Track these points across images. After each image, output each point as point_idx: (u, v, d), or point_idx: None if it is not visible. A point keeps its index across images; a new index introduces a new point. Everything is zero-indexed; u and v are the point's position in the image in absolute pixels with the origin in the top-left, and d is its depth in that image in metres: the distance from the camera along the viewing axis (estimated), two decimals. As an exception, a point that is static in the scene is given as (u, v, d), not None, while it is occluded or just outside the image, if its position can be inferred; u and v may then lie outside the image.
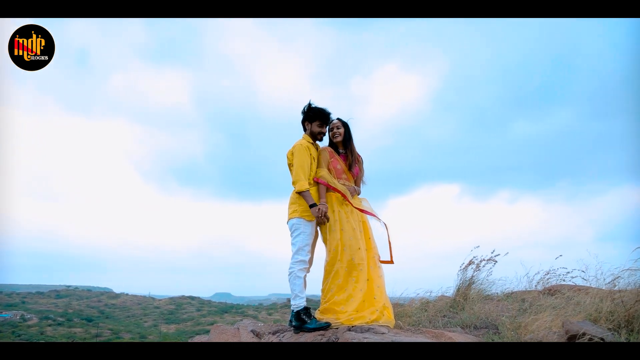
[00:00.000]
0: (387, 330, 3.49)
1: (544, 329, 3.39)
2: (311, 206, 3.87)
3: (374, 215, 4.12)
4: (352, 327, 3.56)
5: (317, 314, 3.92)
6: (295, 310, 3.79)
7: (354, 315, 3.71)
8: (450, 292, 5.79)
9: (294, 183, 3.97)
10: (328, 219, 3.91)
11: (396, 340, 3.12)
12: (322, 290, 4.05)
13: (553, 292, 4.73)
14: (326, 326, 3.65)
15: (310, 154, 4.04)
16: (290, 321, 3.94)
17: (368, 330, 3.43)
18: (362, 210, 4.07)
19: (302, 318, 3.73)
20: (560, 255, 6.05)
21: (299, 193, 3.92)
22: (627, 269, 3.57)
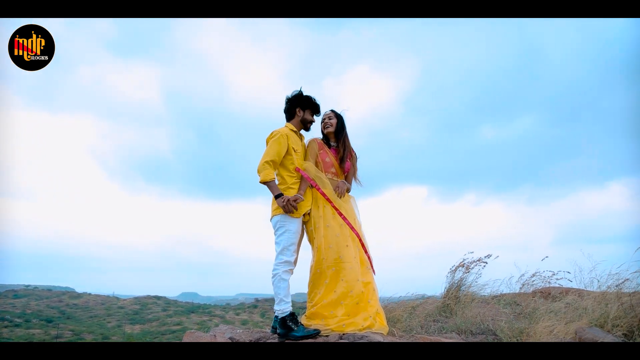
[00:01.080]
0: (382, 337, 3.20)
1: (547, 334, 3.18)
2: (276, 197, 3.51)
3: (350, 225, 3.71)
4: (344, 334, 3.25)
5: (303, 320, 3.58)
6: (281, 316, 3.42)
7: (346, 321, 3.39)
8: (429, 292, 5.63)
9: (258, 172, 3.56)
10: (296, 209, 3.53)
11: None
12: (308, 293, 3.71)
13: (546, 295, 4.54)
14: (315, 334, 3.31)
15: (289, 144, 3.67)
16: (274, 328, 3.57)
17: (362, 338, 3.12)
18: (340, 214, 3.70)
19: (288, 325, 3.36)
20: (547, 257, 5.95)
21: (263, 183, 3.54)
22: (635, 271, 3.40)
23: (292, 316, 3.42)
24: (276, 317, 3.49)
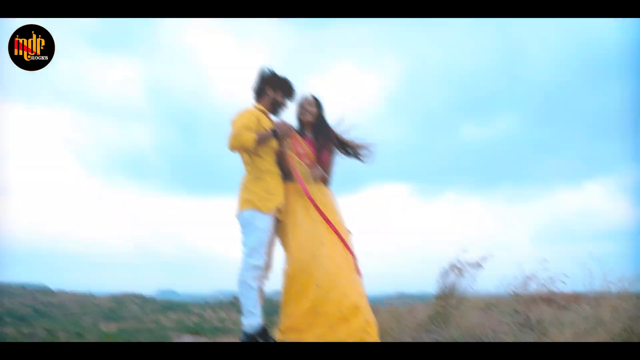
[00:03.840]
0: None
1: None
2: (274, 133, 2.98)
3: (326, 219, 3.12)
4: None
5: (277, 335, 2.99)
6: (249, 332, 2.85)
7: (327, 336, 2.79)
8: (410, 290, 5.25)
9: (236, 145, 2.94)
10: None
11: None
12: (282, 303, 3.11)
13: (549, 302, 4.08)
14: None
15: (259, 122, 3.07)
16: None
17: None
18: (316, 206, 3.13)
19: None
20: (544, 260, 5.56)
21: (257, 144, 2.94)
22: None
23: (264, 332, 2.86)
24: (244, 332, 2.92)
